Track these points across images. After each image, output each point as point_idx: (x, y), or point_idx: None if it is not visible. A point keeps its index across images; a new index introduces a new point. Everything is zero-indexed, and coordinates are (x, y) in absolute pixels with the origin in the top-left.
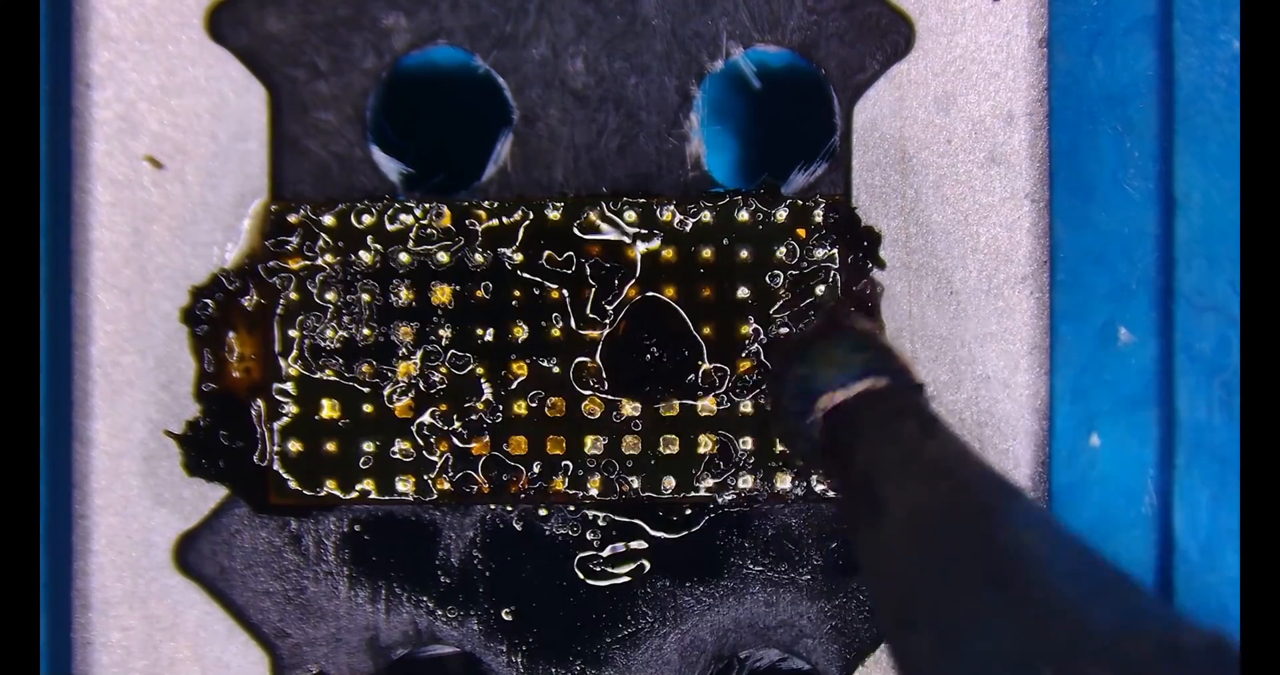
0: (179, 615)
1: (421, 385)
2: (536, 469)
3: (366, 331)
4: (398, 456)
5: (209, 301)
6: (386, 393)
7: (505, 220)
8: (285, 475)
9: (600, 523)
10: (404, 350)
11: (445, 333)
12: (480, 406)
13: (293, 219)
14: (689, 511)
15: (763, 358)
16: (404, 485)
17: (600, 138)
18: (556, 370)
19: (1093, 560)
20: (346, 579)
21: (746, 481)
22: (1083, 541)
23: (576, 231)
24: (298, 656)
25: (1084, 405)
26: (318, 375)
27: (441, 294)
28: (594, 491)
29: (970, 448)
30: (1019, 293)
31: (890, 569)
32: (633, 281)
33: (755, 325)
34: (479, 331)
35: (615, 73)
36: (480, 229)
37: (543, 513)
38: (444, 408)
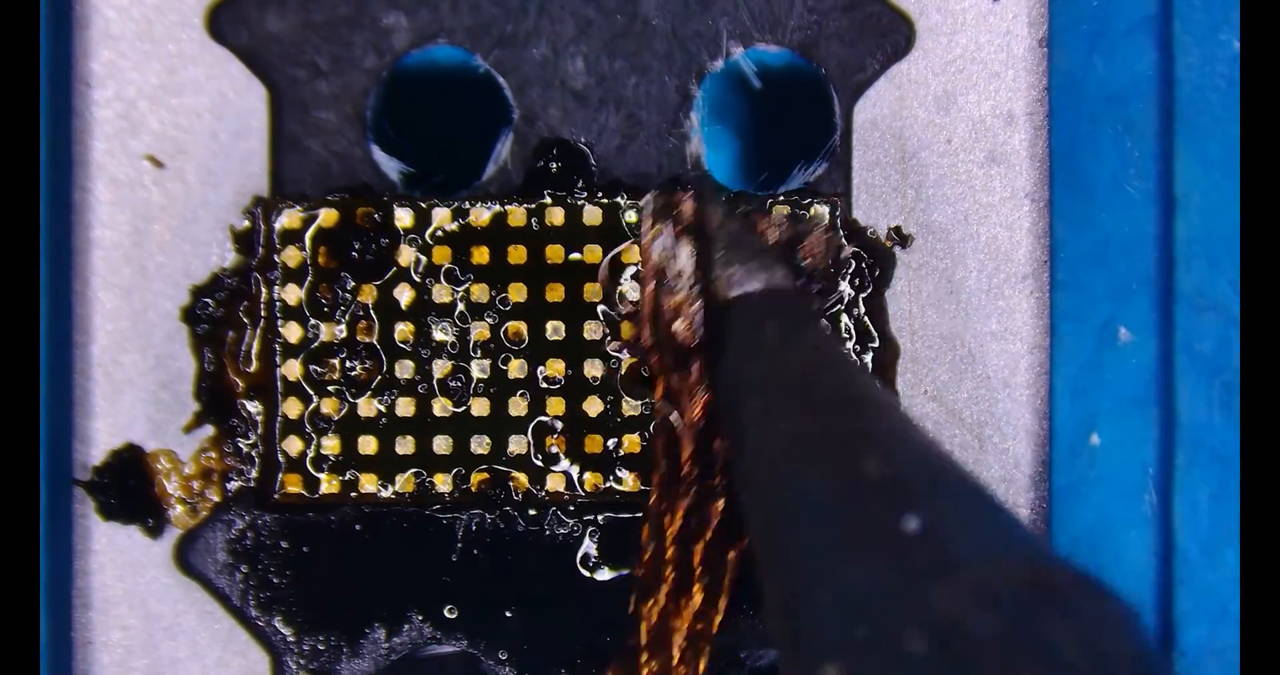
0: (179, 614)
1: (421, 384)
2: (535, 467)
3: (367, 332)
4: (399, 456)
5: (209, 301)
6: (387, 392)
7: (505, 220)
8: (285, 475)
9: (600, 521)
10: (403, 349)
11: (442, 332)
12: (482, 405)
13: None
14: None
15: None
16: (405, 485)
17: (600, 138)
18: (558, 368)
19: (968, 488)
20: (347, 579)
21: None
22: (958, 468)
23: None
24: (299, 656)
25: (1084, 405)
26: (318, 374)
27: (441, 293)
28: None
29: (851, 369)
30: (1019, 292)
31: (758, 490)
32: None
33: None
34: (478, 331)
35: (615, 73)
36: (480, 229)
37: (538, 513)
38: (448, 404)
